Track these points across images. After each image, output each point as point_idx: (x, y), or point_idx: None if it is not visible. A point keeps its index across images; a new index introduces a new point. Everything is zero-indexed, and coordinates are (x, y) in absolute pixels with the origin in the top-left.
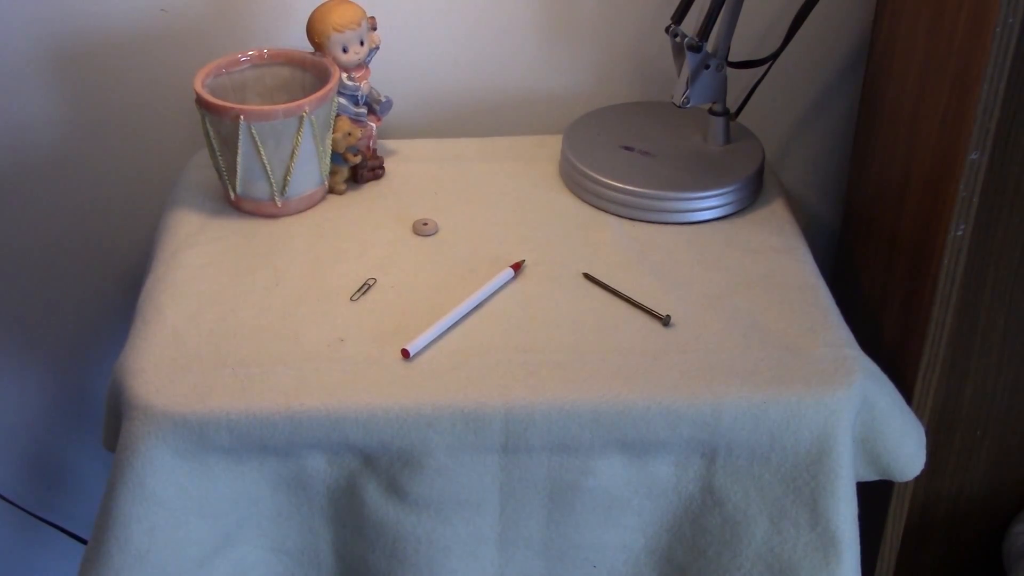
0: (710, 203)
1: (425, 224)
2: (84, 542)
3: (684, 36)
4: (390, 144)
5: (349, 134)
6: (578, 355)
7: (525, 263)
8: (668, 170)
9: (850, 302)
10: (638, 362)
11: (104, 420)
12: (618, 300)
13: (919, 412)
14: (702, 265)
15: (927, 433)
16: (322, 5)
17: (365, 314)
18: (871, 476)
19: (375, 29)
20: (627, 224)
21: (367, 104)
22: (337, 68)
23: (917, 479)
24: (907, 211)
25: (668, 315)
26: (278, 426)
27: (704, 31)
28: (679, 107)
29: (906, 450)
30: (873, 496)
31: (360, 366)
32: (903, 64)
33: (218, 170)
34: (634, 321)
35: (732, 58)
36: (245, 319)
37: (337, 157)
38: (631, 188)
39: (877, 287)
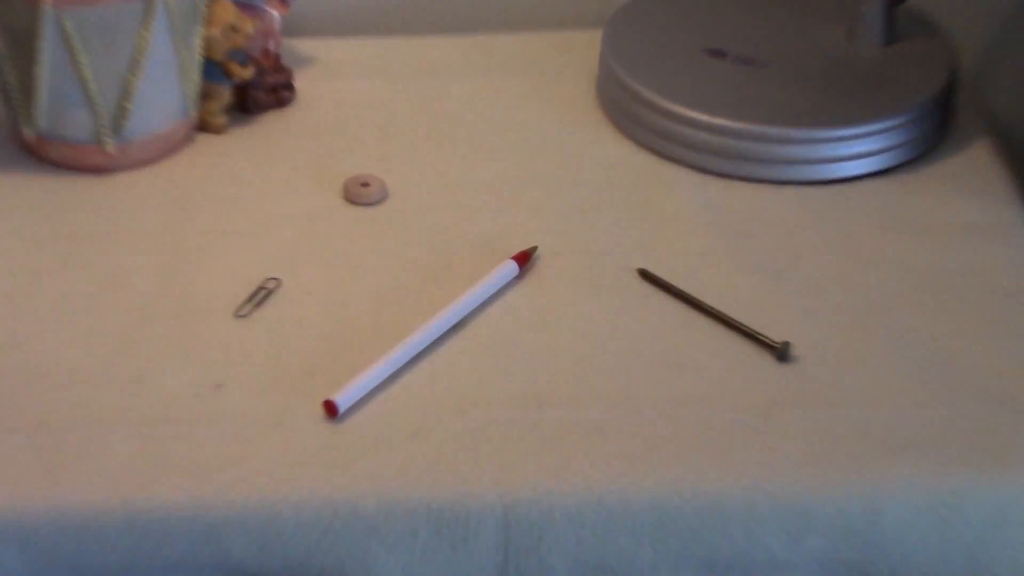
0: (858, 148)
1: (365, 185)
2: None
3: None
4: (304, 46)
5: (234, 29)
6: (628, 411)
7: (537, 252)
8: (784, 91)
9: None
10: (734, 423)
11: None
12: (697, 315)
13: None
14: (845, 255)
15: None
16: None
17: (260, 340)
18: None
19: None
20: (713, 184)
21: None
22: None
23: None
24: None
25: (786, 342)
26: (109, 534)
27: None
28: None
29: None
30: None
31: (251, 431)
32: None
33: (4, 92)
34: (726, 352)
35: None
36: (52, 348)
37: (214, 70)
38: (721, 122)
39: None
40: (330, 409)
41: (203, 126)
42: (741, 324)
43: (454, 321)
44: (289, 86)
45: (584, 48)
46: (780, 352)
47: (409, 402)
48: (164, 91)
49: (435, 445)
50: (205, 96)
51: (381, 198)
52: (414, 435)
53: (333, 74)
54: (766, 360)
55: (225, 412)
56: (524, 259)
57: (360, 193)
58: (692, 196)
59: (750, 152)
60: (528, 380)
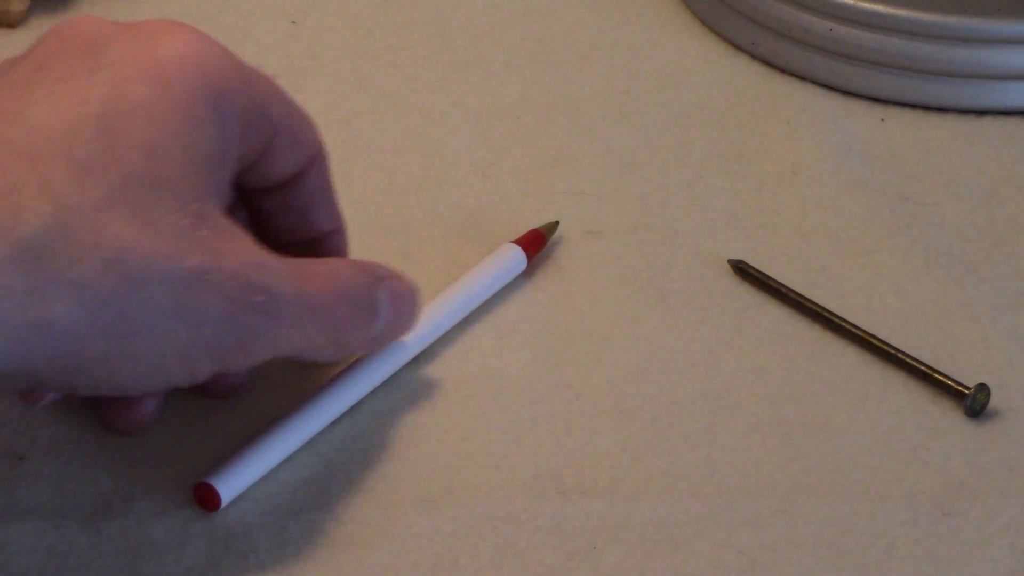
0: None
1: None
2: None
3: None
4: None
5: None
6: (715, 505)
7: (559, 232)
8: None
9: None
10: (895, 524)
11: None
12: (833, 339)
13: None
14: None
15: None
16: None
17: None
18: None
19: None
20: (862, 112)
21: None
22: None
23: None
24: None
25: (982, 385)
26: None
27: None
28: None
29: None
30: None
31: (69, 533)
32: None
33: None
34: (881, 400)
35: None
36: None
37: None
38: (884, 9)
39: None
40: (206, 498)
41: None
42: (908, 355)
43: (414, 352)
44: None
45: None
46: (972, 402)
47: (338, 485)
48: None
49: (387, 559)
50: None
51: None
52: (350, 542)
53: None
54: (950, 414)
55: (28, 505)
56: (535, 244)
57: None
58: (825, 133)
59: (929, 59)
60: (541, 450)
